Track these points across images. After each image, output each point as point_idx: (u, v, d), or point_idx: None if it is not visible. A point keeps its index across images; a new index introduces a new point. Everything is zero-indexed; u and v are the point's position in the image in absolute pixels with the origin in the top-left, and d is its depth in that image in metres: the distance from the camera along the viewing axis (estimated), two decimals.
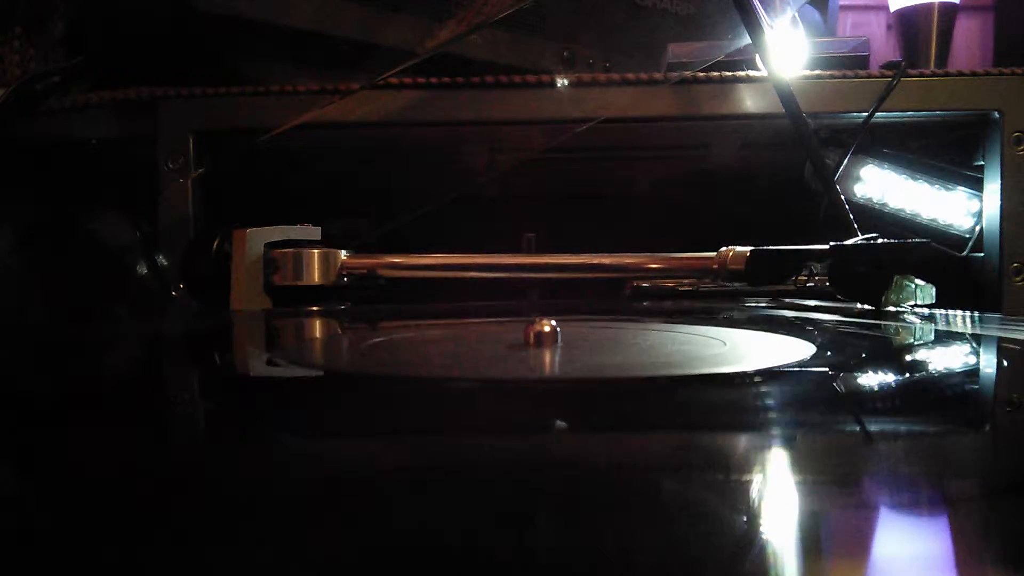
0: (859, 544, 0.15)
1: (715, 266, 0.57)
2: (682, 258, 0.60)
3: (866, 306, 0.56)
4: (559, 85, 0.72)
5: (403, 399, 0.28)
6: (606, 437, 0.23)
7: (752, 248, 0.56)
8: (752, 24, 0.62)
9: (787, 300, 0.63)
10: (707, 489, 0.18)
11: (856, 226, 0.58)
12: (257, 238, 0.61)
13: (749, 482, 0.18)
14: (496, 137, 0.76)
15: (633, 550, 0.14)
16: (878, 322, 0.51)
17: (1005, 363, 0.37)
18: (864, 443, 0.22)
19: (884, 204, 0.75)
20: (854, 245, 0.55)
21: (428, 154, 0.80)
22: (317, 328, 0.56)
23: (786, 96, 0.62)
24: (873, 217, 0.74)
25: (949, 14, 0.84)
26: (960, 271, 0.75)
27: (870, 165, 0.75)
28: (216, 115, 0.71)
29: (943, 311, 0.56)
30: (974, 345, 0.43)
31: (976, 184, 0.74)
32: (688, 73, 0.72)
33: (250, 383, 0.35)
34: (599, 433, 0.24)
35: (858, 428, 0.24)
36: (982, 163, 0.74)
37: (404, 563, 0.14)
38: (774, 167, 0.80)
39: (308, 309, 0.62)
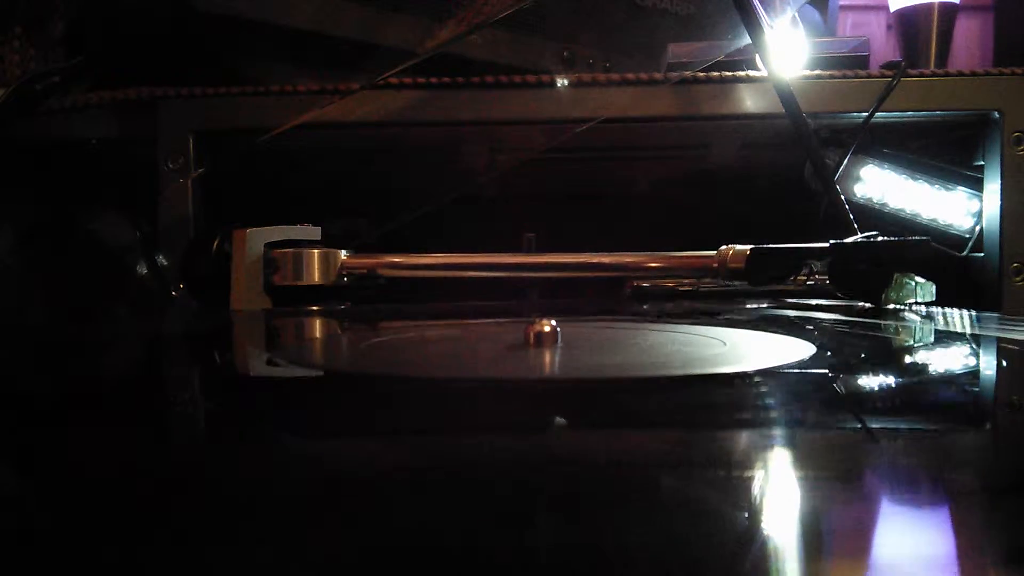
0: (856, 544, 0.15)
1: (715, 265, 0.57)
2: (682, 257, 0.60)
3: (866, 304, 0.56)
4: (559, 85, 0.72)
5: (403, 399, 0.28)
6: (606, 437, 0.23)
7: (752, 246, 0.56)
8: (752, 24, 0.62)
9: (788, 300, 0.63)
10: (706, 489, 0.18)
11: (856, 226, 0.58)
12: (257, 238, 0.61)
13: (748, 482, 0.18)
14: (496, 137, 0.76)
15: (632, 549, 0.14)
16: (878, 321, 0.51)
17: (1004, 363, 0.37)
18: (863, 443, 0.22)
19: (884, 204, 0.75)
20: (854, 243, 0.55)
21: (428, 154, 0.80)
22: (317, 328, 0.56)
23: (786, 96, 0.62)
24: (873, 217, 0.74)
25: (949, 14, 0.84)
26: (960, 271, 0.75)
27: (870, 165, 0.75)
28: (216, 115, 0.71)
29: (942, 309, 0.56)
30: (973, 346, 0.43)
31: (976, 184, 0.74)
32: (688, 73, 0.72)
33: (250, 383, 0.35)
34: (599, 433, 0.24)
35: (857, 427, 0.24)
36: (982, 163, 0.74)
37: (404, 563, 0.14)
38: (774, 167, 0.80)
39: (308, 309, 0.62)
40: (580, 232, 0.71)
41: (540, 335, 0.35)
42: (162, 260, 0.68)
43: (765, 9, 0.64)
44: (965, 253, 0.75)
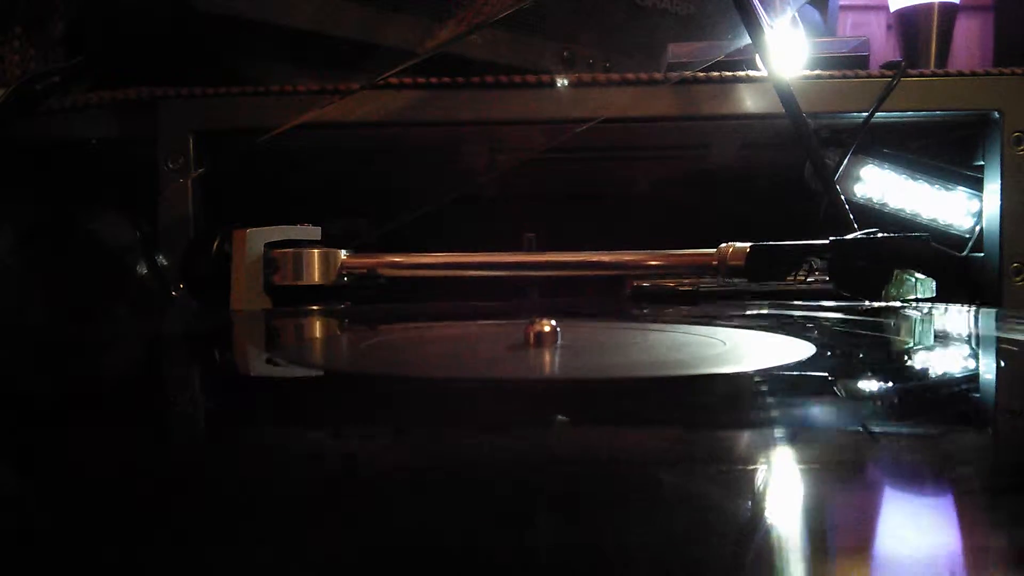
0: (856, 545, 0.15)
1: (715, 262, 0.57)
2: (682, 255, 0.60)
3: (866, 301, 0.56)
4: (559, 85, 0.72)
5: (403, 399, 0.28)
6: (606, 437, 0.23)
7: (752, 244, 0.56)
8: (752, 24, 0.62)
9: (789, 302, 0.63)
10: (706, 488, 0.18)
11: (856, 226, 0.58)
12: (257, 238, 0.61)
13: (747, 482, 0.18)
14: (496, 137, 0.76)
15: (632, 549, 0.14)
16: (878, 320, 0.51)
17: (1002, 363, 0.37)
18: (861, 442, 0.22)
19: (884, 204, 0.75)
20: (854, 239, 0.55)
21: (428, 154, 0.80)
22: (317, 328, 0.56)
23: (786, 96, 0.62)
24: (873, 217, 0.74)
25: (949, 14, 0.84)
26: (960, 271, 0.75)
27: (870, 165, 0.75)
28: (216, 115, 0.71)
29: (942, 305, 0.56)
30: (972, 346, 0.43)
31: (976, 184, 0.74)
32: (688, 73, 0.72)
33: (250, 383, 0.35)
34: (599, 433, 0.24)
35: (857, 427, 0.24)
36: (982, 163, 0.74)
37: (404, 563, 0.14)
38: (774, 167, 0.80)
39: (308, 309, 0.62)
40: (580, 232, 0.71)
41: (540, 335, 0.35)
42: (162, 260, 0.68)
43: (765, 9, 0.64)
44: (965, 253, 0.75)
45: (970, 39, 1.23)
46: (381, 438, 0.23)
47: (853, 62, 0.74)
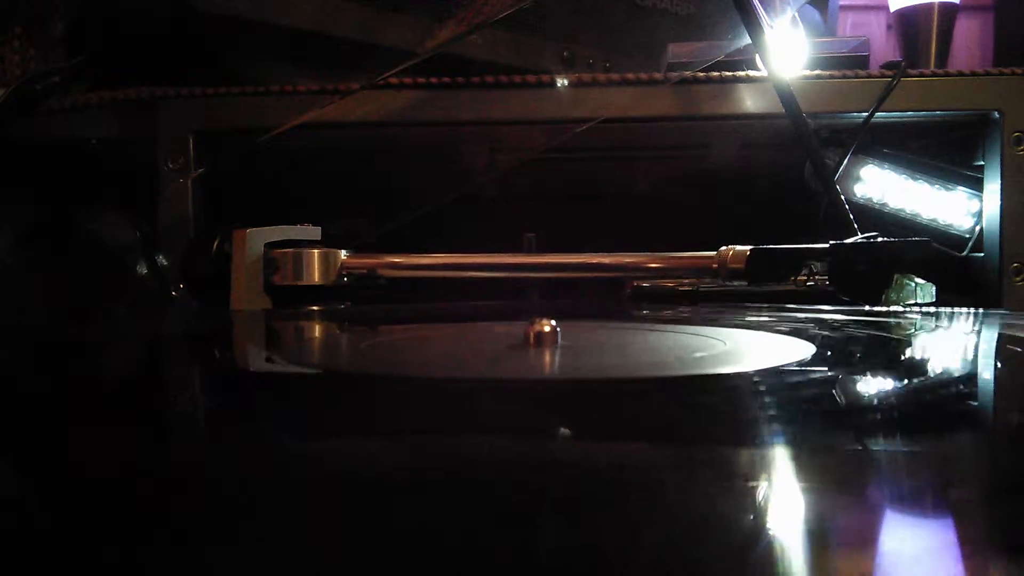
0: (857, 545, 0.15)
1: (715, 265, 0.57)
2: (682, 257, 0.60)
3: (866, 305, 0.56)
4: (559, 85, 0.72)
5: (403, 399, 0.28)
6: (606, 437, 0.23)
7: (752, 247, 0.56)
8: (752, 24, 0.62)
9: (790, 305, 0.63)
10: (706, 488, 0.18)
11: (856, 226, 0.58)
12: (257, 238, 0.61)
13: (747, 482, 0.18)
14: (496, 137, 0.76)
15: (632, 549, 0.14)
16: (878, 320, 0.51)
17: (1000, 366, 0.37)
18: (861, 442, 0.22)
19: (884, 204, 0.75)
20: (854, 244, 0.55)
21: (428, 154, 0.80)
22: (317, 328, 0.56)
23: (786, 96, 0.62)
24: (873, 217, 0.74)
25: (949, 14, 0.84)
26: (960, 271, 0.75)
27: (870, 165, 0.75)
28: (216, 115, 0.71)
29: (944, 308, 0.56)
30: (972, 345, 0.43)
31: (976, 184, 0.74)
32: (688, 73, 0.72)
33: (250, 383, 0.35)
34: (599, 433, 0.24)
35: (856, 427, 0.24)
36: (982, 163, 0.74)
37: (404, 563, 0.14)
38: (774, 167, 0.80)
39: (308, 309, 0.62)
40: (580, 232, 0.71)
41: (540, 335, 0.35)
42: (162, 260, 0.68)
43: (765, 9, 0.64)
44: (965, 253, 0.75)
45: (970, 39, 1.23)
46: (381, 438, 0.23)
47: (853, 62, 0.74)
